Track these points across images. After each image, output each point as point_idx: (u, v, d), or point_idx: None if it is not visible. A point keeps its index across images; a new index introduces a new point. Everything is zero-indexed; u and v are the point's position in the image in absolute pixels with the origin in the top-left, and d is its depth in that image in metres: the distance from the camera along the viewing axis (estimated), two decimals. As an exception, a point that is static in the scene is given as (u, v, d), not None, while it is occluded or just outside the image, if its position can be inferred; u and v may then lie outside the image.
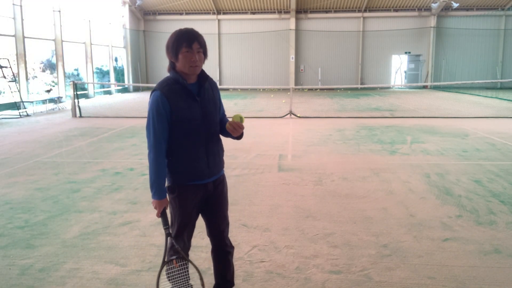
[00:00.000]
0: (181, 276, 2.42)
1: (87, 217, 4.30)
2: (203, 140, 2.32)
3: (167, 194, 2.33)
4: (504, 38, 25.87)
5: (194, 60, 2.23)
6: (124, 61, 25.58)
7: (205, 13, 26.80)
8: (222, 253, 2.58)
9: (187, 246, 2.51)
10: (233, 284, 2.67)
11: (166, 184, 2.36)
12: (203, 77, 2.37)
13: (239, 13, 26.55)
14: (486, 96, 19.76)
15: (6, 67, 14.10)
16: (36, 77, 17.82)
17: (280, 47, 25.99)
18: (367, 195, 4.96)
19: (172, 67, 2.33)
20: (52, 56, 18.54)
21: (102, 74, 23.68)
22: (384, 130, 9.96)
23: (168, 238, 2.36)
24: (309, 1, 25.61)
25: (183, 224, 2.40)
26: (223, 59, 26.99)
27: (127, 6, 24.91)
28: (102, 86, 23.12)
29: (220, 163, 2.47)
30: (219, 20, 26.79)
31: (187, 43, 2.22)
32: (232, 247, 2.62)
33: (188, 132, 2.28)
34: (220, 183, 2.48)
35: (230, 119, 2.46)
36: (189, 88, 2.28)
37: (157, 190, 2.27)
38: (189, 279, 2.48)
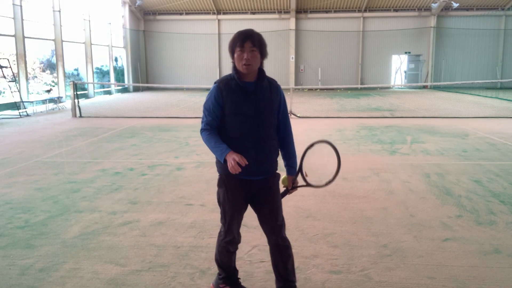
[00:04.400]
0: None
1: (87, 217, 4.29)
2: (254, 136, 2.40)
3: (228, 152, 2.34)
4: (504, 38, 25.87)
5: (245, 58, 2.31)
6: (124, 61, 25.58)
7: (205, 13, 26.79)
8: (275, 249, 2.61)
9: (236, 240, 2.68)
10: (293, 282, 2.64)
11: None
12: (261, 77, 2.43)
13: (239, 13, 26.55)
14: (486, 96, 19.75)
15: (6, 67, 14.09)
16: (36, 77, 17.82)
17: (280, 47, 25.99)
18: (367, 195, 4.96)
19: (233, 66, 2.43)
20: (52, 56, 18.54)
21: (102, 74, 23.69)
22: (384, 130, 9.95)
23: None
24: (309, 1, 25.61)
25: (230, 215, 2.57)
26: (223, 59, 26.99)
27: (127, 6, 24.91)
28: (102, 86, 23.12)
29: (270, 164, 2.50)
30: (219, 20, 26.79)
31: (240, 43, 2.32)
32: (286, 246, 2.61)
33: (239, 126, 2.39)
34: (268, 183, 2.52)
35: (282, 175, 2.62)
36: (242, 85, 2.39)
37: (220, 152, 2.34)
38: None
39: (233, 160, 2.25)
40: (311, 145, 2.60)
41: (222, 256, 2.70)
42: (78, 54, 20.80)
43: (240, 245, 2.75)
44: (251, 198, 2.56)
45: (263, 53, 2.39)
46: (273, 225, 2.56)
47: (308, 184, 2.66)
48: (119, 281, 2.99)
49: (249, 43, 2.31)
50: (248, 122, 2.38)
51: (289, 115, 2.65)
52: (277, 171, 2.60)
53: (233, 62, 2.41)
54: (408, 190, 5.16)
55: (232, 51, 2.38)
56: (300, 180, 2.67)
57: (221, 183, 2.55)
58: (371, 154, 7.25)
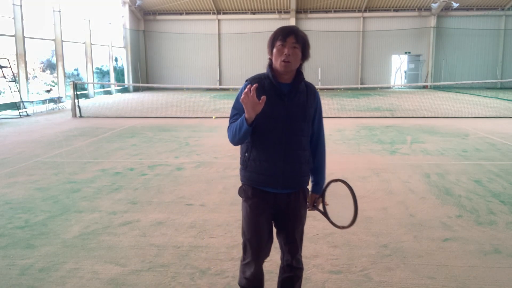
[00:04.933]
0: None
1: (87, 217, 4.29)
2: (282, 143, 2.14)
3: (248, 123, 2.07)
4: (504, 38, 25.87)
5: (285, 54, 2.06)
6: (124, 61, 25.57)
7: (205, 13, 26.79)
8: (287, 268, 2.35)
9: (258, 273, 2.31)
10: None
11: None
12: (299, 79, 2.19)
13: (239, 13, 26.56)
14: (486, 96, 19.75)
15: (6, 67, 14.10)
16: (36, 77, 17.82)
17: (280, 47, 25.97)
18: (367, 195, 4.96)
19: (269, 64, 2.21)
20: (52, 56, 18.54)
21: (102, 74, 23.69)
22: (384, 130, 9.95)
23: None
24: (309, 1, 25.61)
25: (251, 234, 2.24)
26: (223, 59, 27.00)
27: (127, 6, 24.91)
28: (102, 86, 23.12)
29: (300, 177, 2.22)
30: (219, 20, 26.79)
31: (282, 36, 2.10)
32: (299, 268, 2.34)
33: (266, 129, 2.14)
34: (295, 199, 2.23)
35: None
36: (276, 85, 2.16)
37: (240, 121, 2.07)
38: None
39: (243, 101, 1.98)
40: (328, 184, 2.33)
41: (243, 283, 2.34)
42: (78, 54, 20.79)
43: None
44: (275, 214, 2.26)
45: (305, 53, 2.14)
46: (292, 245, 2.31)
47: (325, 214, 2.37)
48: (119, 281, 2.99)
49: (292, 38, 2.08)
50: (278, 127, 2.13)
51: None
52: (308, 187, 2.32)
53: (270, 59, 2.19)
54: (408, 190, 5.16)
55: (271, 45, 2.14)
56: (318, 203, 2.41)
57: (241, 192, 2.27)
58: (371, 154, 7.25)
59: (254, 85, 1.97)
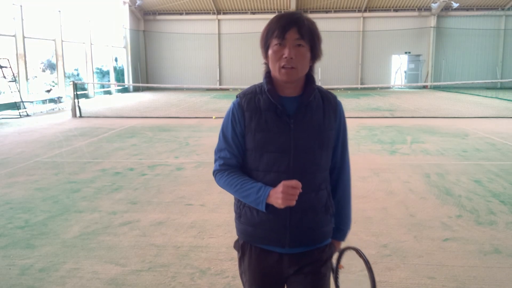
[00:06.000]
0: None
1: (87, 217, 4.29)
2: None
3: (269, 189, 1.46)
4: (504, 38, 25.87)
5: (285, 57, 1.44)
6: (124, 61, 25.57)
7: (205, 13, 26.79)
8: None
9: None
10: None
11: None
12: (309, 90, 1.53)
13: (239, 13, 26.55)
14: (486, 96, 19.75)
15: (6, 67, 14.10)
16: (36, 77, 17.81)
17: (280, 47, 25.99)
18: (367, 195, 4.96)
19: (266, 71, 1.56)
20: (52, 56, 18.54)
21: (102, 74, 23.68)
22: (384, 130, 9.95)
23: None
24: (309, 1, 25.62)
25: None
26: (223, 59, 27.00)
27: (127, 6, 24.90)
28: (102, 86, 23.12)
29: (315, 229, 1.56)
30: (219, 20, 26.79)
31: (280, 31, 1.44)
32: None
33: (266, 166, 1.51)
34: (310, 263, 1.57)
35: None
36: (278, 102, 1.50)
37: (256, 192, 1.47)
38: None
39: (285, 189, 1.38)
40: (343, 250, 1.76)
41: None
42: (78, 54, 20.79)
43: None
44: (287, 279, 1.62)
45: (315, 51, 1.51)
46: None
47: (335, 278, 1.78)
48: (119, 281, 2.99)
49: (294, 33, 1.43)
50: (282, 163, 1.49)
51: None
52: (330, 240, 1.67)
53: (266, 64, 1.54)
54: (408, 190, 5.16)
55: (265, 44, 1.50)
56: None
57: (238, 248, 1.67)
58: (371, 154, 7.25)
59: (296, 183, 1.37)
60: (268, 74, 1.55)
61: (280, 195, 1.38)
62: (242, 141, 1.55)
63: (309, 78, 1.56)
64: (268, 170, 1.51)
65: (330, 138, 1.57)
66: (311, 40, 1.48)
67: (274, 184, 1.46)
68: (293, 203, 1.38)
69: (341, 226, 1.71)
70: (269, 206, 1.45)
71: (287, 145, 1.49)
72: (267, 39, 1.50)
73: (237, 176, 1.54)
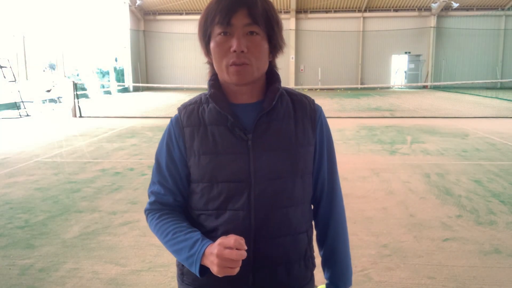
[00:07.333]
0: None
1: (87, 217, 4.29)
2: (248, 228, 1.09)
3: (206, 244, 1.03)
4: (504, 38, 25.88)
5: (233, 49, 1.04)
6: (124, 61, 25.57)
7: (205, 13, 26.79)
8: None
9: None
10: None
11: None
12: (271, 92, 1.12)
13: (239, 13, 26.55)
14: (486, 96, 19.75)
15: (6, 67, 14.10)
16: (36, 77, 17.81)
17: (280, 47, 26.00)
18: (367, 195, 4.96)
19: (212, 74, 1.17)
20: (52, 56, 18.54)
21: (102, 74, 23.69)
22: (384, 130, 9.95)
23: None
24: (309, 1, 25.62)
25: None
26: (223, 59, 26.99)
27: (127, 6, 24.91)
28: (102, 86, 23.12)
29: (290, 284, 1.18)
30: (219, 20, 26.79)
31: (223, 16, 1.04)
32: None
33: (216, 206, 1.11)
34: None
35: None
36: (228, 112, 1.10)
37: (189, 258, 1.04)
38: None
39: (220, 253, 0.96)
40: None
41: None
42: (78, 54, 20.80)
43: None
44: None
45: (274, 41, 1.10)
46: None
47: None
48: (119, 281, 2.99)
49: (243, 17, 1.04)
50: (238, 198, 1.09)
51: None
52: None
53: (210, 63, 1.15)
54: (408, 190, 5.16)
55: (204, 35, 1.11)
56: None
57: None
58: (371, 154, 7.25)
59: (235, 241, 0.96)
60: (214, 77, 1.15)
61: (215, 260, 0.96)
62: (183, 170, 1.14)
63: (272, 77, 1.15)
64: (222, 208, 1.09)
65: (307, 158, 1.14)
66: (267, 25, 1.06)
67: (229, 229, 1.06)
68: (234, 272, 0.96)
69: (337, 274, 1.29)
70: (207, 270, 1.02)
71: (244, 171, 1.07)
72: (206, 28, 1.09)
73: (170, 220, 1.12)
